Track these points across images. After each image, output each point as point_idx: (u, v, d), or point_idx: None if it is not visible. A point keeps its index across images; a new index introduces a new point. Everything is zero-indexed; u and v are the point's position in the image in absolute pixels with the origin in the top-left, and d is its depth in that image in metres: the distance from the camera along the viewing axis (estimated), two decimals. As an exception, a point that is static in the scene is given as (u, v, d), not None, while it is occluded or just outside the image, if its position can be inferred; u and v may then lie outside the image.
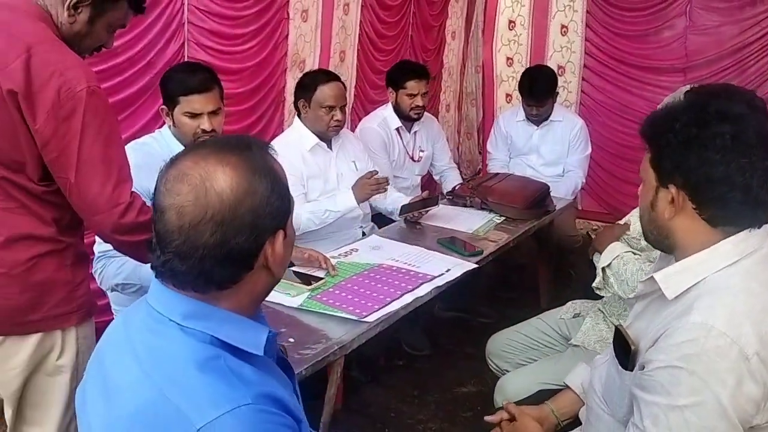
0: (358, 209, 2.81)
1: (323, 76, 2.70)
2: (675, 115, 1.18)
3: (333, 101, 2.65)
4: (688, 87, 1.45)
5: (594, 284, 2.00)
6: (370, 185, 2.64)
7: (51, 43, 1.42)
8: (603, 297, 2.08)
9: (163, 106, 2.14)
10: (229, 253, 0.87)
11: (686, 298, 1.17)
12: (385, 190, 2.69)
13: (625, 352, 1.29)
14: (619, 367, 1.31)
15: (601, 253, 1.99)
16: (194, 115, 2.07)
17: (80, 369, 1.54)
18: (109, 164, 1.44)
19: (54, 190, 1.46)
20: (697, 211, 1.18)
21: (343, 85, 2.75)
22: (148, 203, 1.98)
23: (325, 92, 2.64)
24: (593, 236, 2.02)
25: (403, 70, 3.27)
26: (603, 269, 1.95)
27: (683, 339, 1.11)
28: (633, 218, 2.04)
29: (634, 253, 1.92)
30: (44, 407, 1.55)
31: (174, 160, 0.91)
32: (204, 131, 2.07)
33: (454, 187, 3.24)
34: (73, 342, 1.55)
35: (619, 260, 1.92)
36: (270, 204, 0.90)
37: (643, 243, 1.95)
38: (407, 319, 2.60)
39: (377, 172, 2.69)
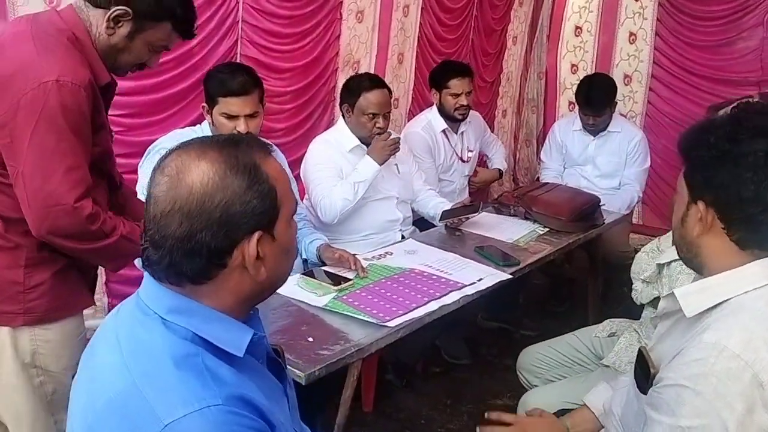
0: (398, 212, 2.81)
1: (368, 82, 2.68)
2: (711, 129, 1.14)
3: (376, 109, 2.64)
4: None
5: (643, 276, 1.90)
6: (388, 146, 2.62)
7: (39, 39, 1.43)
8: (641, 314, 1.99)
9: (204, 104, 2.20)
10: (196, 246, 0.87)
11: (707, 319, 1.13)
12: (399, 149, 2.68)
13: (645, 375, 1.24)
14: (638, 390, 1.26)
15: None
16: (231, 117, 2.12)
17: (51, 370, 1.56)
18: (60, 158, 1.39)
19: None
20: (726, 231, 1.13)
21: (389, 91, 2.74)
22: None
23: (369, 99, 2.64)
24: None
25: (444, 70, 3.23)
26: (661, 265, 1.87)
27: (693, 358, 1.08)
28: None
29: None
30: (12, 407, 1.57)
31: (166, 153, 0.93)
32: (239, 134, 2.10)
33: (500, 195, 3.19)
34: (26, 341, 1.53)
35: (680, 264, 1.80)
36: (244, 202, 0.88)
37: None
38: (448, 326, 2.59)
39: (391, 133, 2.66)
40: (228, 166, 0.88)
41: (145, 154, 2.19)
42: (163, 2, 1.52)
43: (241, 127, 2.11)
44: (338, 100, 3.28)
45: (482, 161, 3.75)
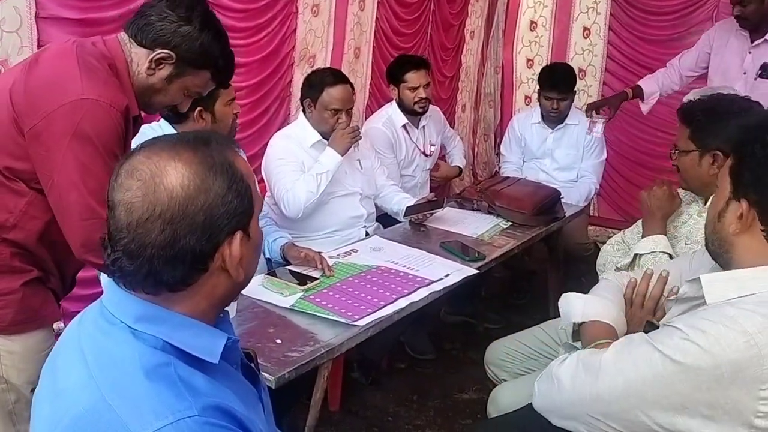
0: (362, 208, 2.78)
1: (331, 77, 2.64)
2: (763, 125, 1.14)
3: (339, 104, 2.61)
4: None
5: (619, 264, 1.92)
6: (348, 134, 2.59)
7: (83, 59, 1.44)
8: None
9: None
10: (180, 253, 0.83)
11: (728, 302, 1.12)
12: (360, 137, 2.68)
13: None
14: None
15: (644, 230, 1.93)
16: (230, 103, 2.18)
17: (12, 382, 1.50)
18: (94, 174, 1.39)
19: None
20: (765, 233, 1.13)
21: (352, 86, 2.70)
22: None
23: (332, 95, 2.60)
24: (648, 200, 1.93)
25: (400, 64, 3.22)
26: (636, 255, 1.88)
27: (706, 317, 1.08)
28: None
29: (670, 256, 1.85)
30: None
31: (129, 155, 0.87)
32: (236, 115, 2.24)
33: (462, 189, 3.20)
34: None
35: (653, 257, 1.84)
36: (226, 203, 0.85)
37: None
38: (412, 322, 2.59)
39: (347, 124, 2.64)
40: (206, 167, 0.85)
41: None
42: (208, 52, 1.54)
43: (237, 108, 2.23)
44: (294, 95, 3.25)
45: (441, 156, 3.75)
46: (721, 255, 1.20)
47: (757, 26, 3.06)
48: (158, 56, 1.50)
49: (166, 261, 0.83)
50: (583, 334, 1.44)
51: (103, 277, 2.23)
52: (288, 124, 3.25)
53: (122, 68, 1.51)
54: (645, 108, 3.55)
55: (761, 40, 3.07)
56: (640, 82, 3.49)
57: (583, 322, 1.44)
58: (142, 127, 2.17)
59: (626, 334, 1.40)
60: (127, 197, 0.83)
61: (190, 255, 0.84)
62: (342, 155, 2.59)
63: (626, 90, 3.47)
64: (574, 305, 1.48)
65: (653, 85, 3.48)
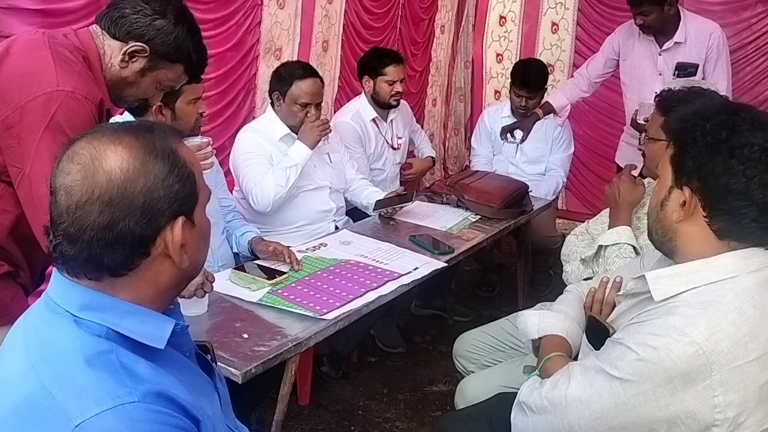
0: (332, 202, 2.77)
1: (300, 71, 2.62)
2: (706, 114, 1.14)
3: (309, 98, 2.59)
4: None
5: (584, 256, 1.95)
6: (317, 126, 2.58)
7: (57, 51, 1.42)
8: None
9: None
10: (119, 235, 0.83)
11: (673, 302, 1.14)
12: (330, 130, 2.66)
13: (601, 337, 1.29)
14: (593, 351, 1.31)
15: (610, 221, 1.96)
16: (194, 102, 2.12)
17: None
18: None
19: None
20: (707, 219, 1.14)
21: (321, 80, 2.69)
22: None
23: (301, 88, 2.58)
24: (612, 192, 1.99)
25: (379, 56, 3.20)
26: (600, 247, 1.91)
27: (652, 332, 1.10)
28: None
29: (634, 248, 1.88)
30: None
31: (71, 142, 0.88)
32: (201, 115, 2.17)
33: (432, 183, 3.21)
34: None
35: (617, 249, 1.87)
36: (166, 187, 0.85)
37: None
38: (383, 315, 2.59)
39: (317, 118, 2.62)
40: (147, 151, 0.85)
41: None
42: (182, 45, 1.54)
43: (202, 107, 2.17)
44: (260, 87, 3.23)
45: (410, 153, 3.75)
46: (665, 243, 1.22)
47: (660, 31, 3.20)
48: (132, 49, 1.49)
49: (106, 244, 0.83)
50: (540, 349, 1.48)
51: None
52: (253, 116, 3.24)
53: (95, 60, 1.50)
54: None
55: (670, 43, 3.21)
56: (549, 99, 3.59)
57: (540, 338, 1.49)
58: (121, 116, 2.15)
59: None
60: (66, 181, 0.83)
61: (129, 238, 0.84)
62: (311, 149, 2.58)
63: (537, 111, 3.53)
64: (529, 322, 1.53)
65: (562, 99, 3.62)
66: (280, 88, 2.62)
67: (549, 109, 3.57)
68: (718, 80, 3.10)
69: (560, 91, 3.66)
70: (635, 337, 1.12)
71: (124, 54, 1.49)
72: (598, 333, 1.33)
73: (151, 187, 0.84)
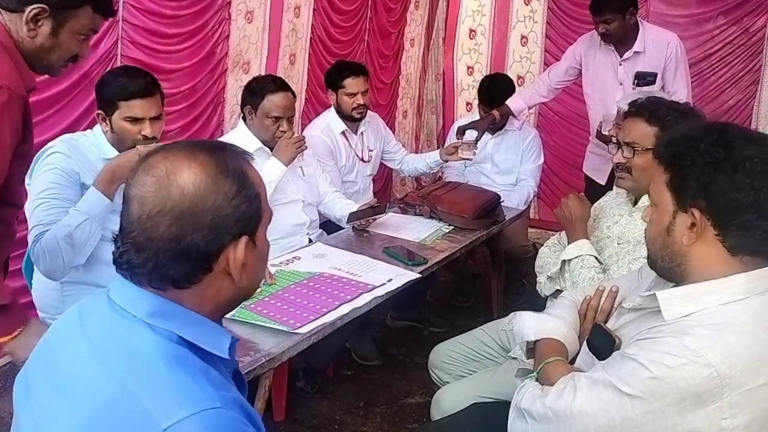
0: (305, 216, 2.76)
1: (272, 85, 2.62)
2: (696, 135, 1.15)
3: (280, 112, 2.59)
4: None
5: (549, 273, 1.97)
6: (293, 143, 2.58)
7: None
8: (545, 305, 2.06)
9: (99, 112, 2.06)
10: (185, 249, 0.86)
11: (687, 321, 1.14)
12: (306, 147, 2.64)
13: (607, 348, 1.28)
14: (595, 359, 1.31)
15: (568, 239, 1.99)
16: (136, 120, 2.00)
17: None
18: None
19: None
20: (719, 237, 1.13)
21: (293, 94, 2.69)
22: (75, 189, 1.93)
23: (273, 102, 2.58)
24: (563, 213, 2.03)
25: (338, 70, 3.22)
26: (563, 261, 1.94)
27: (668, 351, 1.09)
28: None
29: (596, 258, 1.91)
30: None
31: (147, 156, 0.91)
32: (145, 137, 2.00)
33: (405, 195, 3.22)
34: None
35: (580, 261, 1.90)
36: (234, 206, 0.88)
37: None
38: (358, 328, 2.58)
39: (293, 133, 2.62)
40: (219, 170, 0.89)
41: (34, 161, 2.02)
42: None
43: (146, 130, 2.00)
44: (228, 101, 3.23)
45: (386, 170, 3.75)
46: (673, 269, 1.21)
47: (620, 41, 3.28)
48: (32, 13, 1.43)
49: (172, 256, 0.86)
50: (536, 352, 1.47)
51: (38, 281, 2.14)
52: (222, 130, 3.24)
53: (6, 40, 1.43)
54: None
55: (630, 53, 3.29)
56: (508, 102, 3.60)
57: (537, 340, 1.47)
58: (72, 136, 2.11)
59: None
60: (141, 191, 0.87)
61: (194, 252, 0.86)
62: (286, 165, 2.58)
63: (493, 113, 3.53)
64: (527, 324, 1.50)
65: (519, 102, 3.62)
66: (252, 101, 2.61)
67: (506, 111, 3.57)
68: (678, 88, 3.18)
69: (519, 95, 3.68)
70: (649, 354, 1.11)
71: (27, 22, 1.43)
72: (603, 342, 1.31)
73: (220, 204, 0.87)
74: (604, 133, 3.27)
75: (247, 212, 0.90)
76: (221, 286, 0.91)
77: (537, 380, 1.36)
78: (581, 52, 3.51)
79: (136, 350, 0.85)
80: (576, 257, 1.91)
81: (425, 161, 3.52)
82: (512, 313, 2.21)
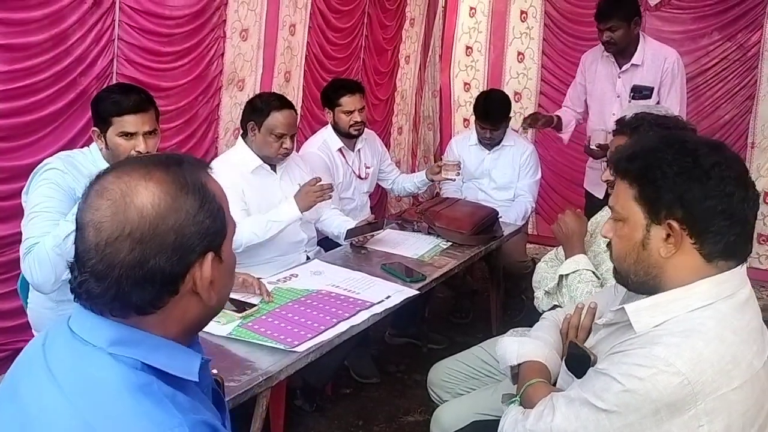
0: (303, 233, 2.75)
1: (277, 102, 2.63)
2: (658, 147, 1.15)
3: (285, 129, 2.60)
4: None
5: (547, 288, 1.97)
6: (314, 192, 2.56)
7: None
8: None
9: (95, 129, 2.07)
10: (149, 273, 0.81)
11: (656, 331, 1.14)
12: (330, 197, 2.61)
13: (583, 362, 1.28)
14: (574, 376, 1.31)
15: (565, 254, 1.98)
16: (129, 136, 2.01)
17: None
18: None
19: None
20: (696, 245, 1.13)
21: (296, 112, 2.70)
22: (70, 203, 1.91)
23: (277, 119, 2.58)
24: (560, 229, 2.04)
25: (334, 88, 3.23)
26: (561, 276, 1.94)
27: (637, 363, 1.09)
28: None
29: (594, 273, 1.91)
30: None
31: (98, 176, 0.86)
32: (139, 153, 2.00)
33: (402, 211, 3.22)
34: None
35: (578, 275, 1.90)
36: (197, 223, 0.84)
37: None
38: (356, 345, 2.56)
39: (320, 179, 2.60)
40: (178, 186, 0.84)
41: (30, 177, 2.03)
42: None
43: (140, 146, 2.01)
44: (222, 118, 3.24)
45: (381, 191, 3.74)
46: (647, 282, 1.20)
47: (623, 51, 3.30)
48: None
49: (135, 282, 0.81)
50: (519, 376, 1.47)
51: (33, 300, 2.13)
52: (216, 146, 3.24)
53: None
54: (565, 137, 3.72)
55: (628, 65, 3.31)
56: (560, 113, 3.62)
57: (519, 364, 1.48)
58: (68, 153, 2.11)
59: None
60: (96, 217, 0.82)
61: (159, 275, 0.82)
62: (302, 213, 2.57)
63: (555, 116, 3.58)
64: (508, 349, 1.51)
65: (570, 116, 3.66)
66: (255, 118, 2.61)
67: (559, 123, 3.55)
68: (672, 104, 3.19)
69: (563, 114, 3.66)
70: (620, 367, 1.11)
71: None
72: (578, 360, 1.32)
73: (183, 223, 0.83)
74: (592, 147, 3.29)
75: (211, 228, 0.86)
76: (188, 307, 0.87)
77: (521, 404, 1.36)
78: (585, 67, 3.54)
79: (98, 383, 0.81)
80: (573, 272, 1.91)
81: (413, 181, 3.54)
82: (511, 330, 2.21)
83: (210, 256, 0.86)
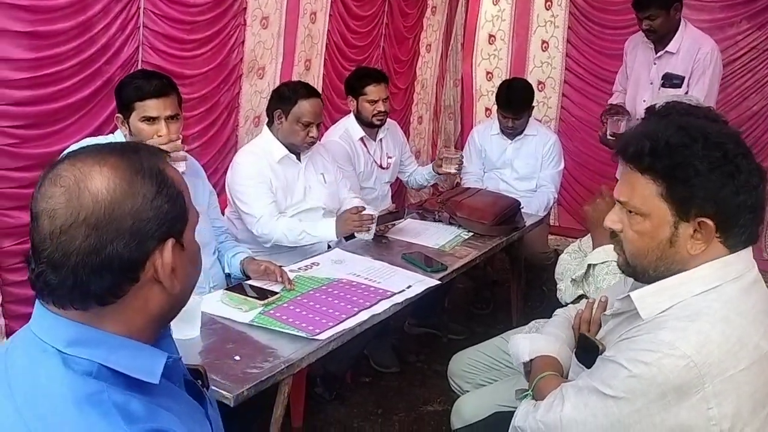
0: (332, 233, 2.75)
1: (304, 90, 2.63)
2: (683, 142, 1.10)
3: (312, 117, 2.60)
4: None
5: (574, 276, 1.94)
6: (353, 221, 2.54)
7: None
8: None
9: (118, 115, 2.09)
10: (106, 260, 0.79)
11: (662, 316, 1.14)
12: (369, 230, 2.57)
13: (592, 352, 1.28)
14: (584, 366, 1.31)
15: (594, 241, 1.95)
16: (151, 120, 2.03)
17: None
18: None
19: None
20: (721, 239, 1.12)
21: (322, 101, 2.70)
22: None
23: (305, 108, 2.58)
24: (593, 213, 1.95)
25: (359, 76, 3.22)
26: (589, 266, 1.91)
27: (643, 348, 1.09)
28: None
29: (619, 266, 1.87)
30: None
31: (53, 164, 0.83)
32: (161, 138, 2.01)
33: (423, 200, 3.20)
34: None
35: (606, 266, 1.87)
36: (155, 207, 0.82)
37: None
38: (376, 334, 2.57)
39: (364, 209, 2.59)
40: (133, 171, 0.82)
41: None
42: None
43: (162, 130, 2.02)
44: (243, 106, 3.24)
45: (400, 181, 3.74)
46: (666, 276, 1.18)
47: (663, 38, 3.23)
48: None
49: (93, 269, 0.79)
50: (531, 371, 1.47)
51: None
52: (236, 135, 3.24)
53: None
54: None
55: (663, 51, 3.25)
56: (615, 101, 3.53)
57: (531, 360, 1.48)
58: (94, 140, 2.12)
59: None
60: (50, 205, 0.79)
61: (117, 262, 0.79)
62: (338, 238, 2.58)
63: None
64: (520, 346, 1.52)
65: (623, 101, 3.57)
66: (282, 106, 2.61)
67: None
68: (699, 97, 3.10)
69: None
70: (626, 353, 1.12)
71: None
72: (588, 350, 1.32)
73: (140, 208, 0.81)
74: (608, 136, 3.23)
75: (170, 213, 0.84)
76: (150, 297, 0.85)
77: (533, 398, 1.37)
78: (627, 51, 3.49)
79: (46, 392, 0.78)
80: (602, 263, 1.88)
81: (423, 174, 3.53)
82: (533, 321, 2.19)
83: (171, 242, 0.84)
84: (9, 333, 2.51)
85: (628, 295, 1.20)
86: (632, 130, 1.24)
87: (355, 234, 2.59)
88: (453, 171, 3.30)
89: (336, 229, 2.56)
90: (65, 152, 2.02)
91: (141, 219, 0.81)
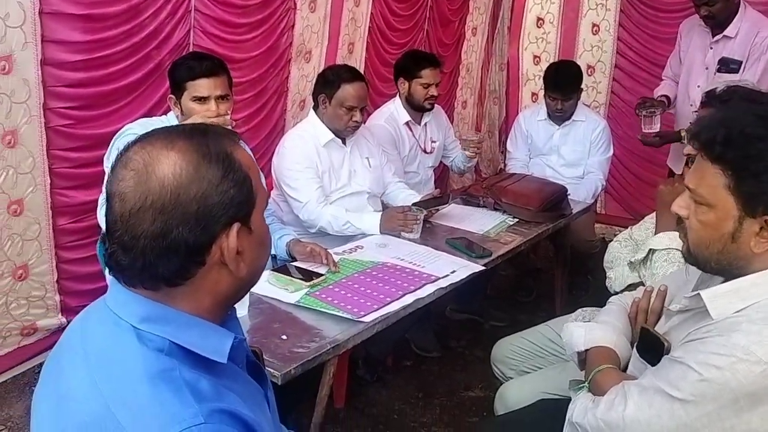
0: (370, 207, 2.76)
1: (348, 74, 2.63)
2: (758, 133, 1.06)
3: (355, 101, 2.59)
4: None
5: (632, 259, 1.90)
6: (398, 219, 2.54)
7: None
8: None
9: (171, 96, 2.14)
10: (173, 244, 0.80)
11: (735, 317, 1.10)
12: (411, 230, 2.55)
13: (656, 350, 1.24)
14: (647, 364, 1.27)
15: (658, 225, 1.90)
16: (202, 100, 2.08)
17: None
18: None
19: None
20: None
21: (367, 84, 2.69)
22: None
23: (348, 91, 2.58)
24: (666, 195, 1.86)
25: (416, 59, 3.20)
26: (650, 251, 1.85)
27: (715, 351, 1.06)
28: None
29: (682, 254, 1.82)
30: None
31: (126, 147, 0.85)
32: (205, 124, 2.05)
33: (468, 186, 3.17)
34: None
35: (666, 254, 1.81)
36: (221, 192, 0.82)
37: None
38: (418, 319, 2.57)
39: (410, 209, 2.57)
40: (200, 155, 0.82)
41: (111, 143, 2.11)
42: None
43: (212, 108, 2.06)
44: (291, 90, 3.26)
45: (443, 166, 3.72)
46: (731, 271, 1.15)
47: (722, 23, 3.12)
48: None
49: (160, 252, 0.80)
50: (586, 362, 1.43)
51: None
52: (284, 119, 3.27)
53: None
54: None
55: (720, 36, 3.14)
56: (668, 93, 3.44)
57: (587, 350, 1.44)
58: (148, 119, 2.18)
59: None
60: (120, 188, 0.81)
61: (183, 246, 0.81)
62: (381, 233, 2.56)
63: (663, 97, 3.40)
64: (575, 334, 1.48)
65: (673, 88, 3.48)
66: (326, 90, 2.62)
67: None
68: (752, 81, 3.00)
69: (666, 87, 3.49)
70: (696, 356, 1.08)
71: None
72: (652, 346, 1.28)
73: (205, 193, 0.81)
74: (644, 131, 3.14)
75: (236, 198, 0.84)
76: (218, 279, 0.86)
77: (589, 390, 1.33)
78: (682, 34, 3.40)
79: (121, 365, 0.81)
80: (664, 249, 1.82)
81: (460, 158, 3.46)
82: (579, 309, 2.16)
83: (236, 226, 0.84)
84: (64, 309, 2.60)
85: (698, 293, 1.16)
86: (708, 116, 1.19)
87: (400, 234, 2.56)
88: (469, 154, 3.25)
89: (380, 225, 2.56)
90: (123, 129, 2.09)
91: (206, 204, 0.81)
